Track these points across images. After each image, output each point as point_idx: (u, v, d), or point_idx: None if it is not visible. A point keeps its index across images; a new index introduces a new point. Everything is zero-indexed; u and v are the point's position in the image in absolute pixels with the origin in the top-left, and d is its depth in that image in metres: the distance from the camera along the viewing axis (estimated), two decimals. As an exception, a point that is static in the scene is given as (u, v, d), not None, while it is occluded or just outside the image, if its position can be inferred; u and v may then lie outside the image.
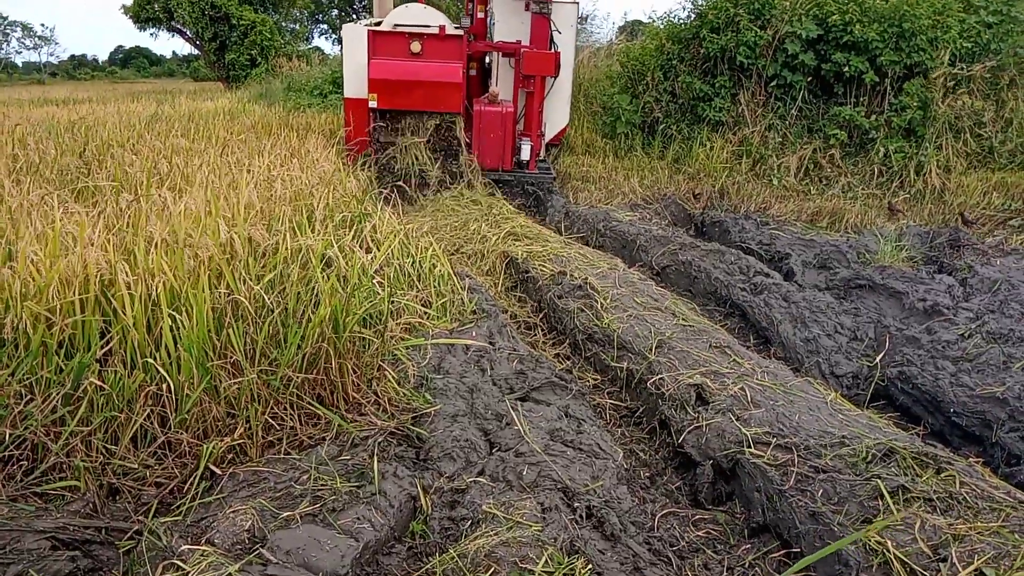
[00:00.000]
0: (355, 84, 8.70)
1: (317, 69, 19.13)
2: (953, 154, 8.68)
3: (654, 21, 12.74)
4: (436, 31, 8.45)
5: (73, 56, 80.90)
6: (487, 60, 9.54)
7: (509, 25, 8.93)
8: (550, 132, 9.55)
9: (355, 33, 8.73)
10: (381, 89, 8.31)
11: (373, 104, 8.39)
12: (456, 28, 8.73)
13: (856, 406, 4.04)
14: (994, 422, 3.79)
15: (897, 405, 4.37)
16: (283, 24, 35.91)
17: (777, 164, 9.24)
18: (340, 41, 11.07)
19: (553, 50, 8.74)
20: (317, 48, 38.37)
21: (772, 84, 9.85)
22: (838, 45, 9.30)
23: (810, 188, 8.86)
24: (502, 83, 9.08)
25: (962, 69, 8.80)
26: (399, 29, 8.53)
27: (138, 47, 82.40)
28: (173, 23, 31.36)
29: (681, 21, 11.25)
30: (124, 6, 31.94)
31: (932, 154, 8.62)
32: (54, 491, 2.89)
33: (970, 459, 3.38)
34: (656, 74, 10.78)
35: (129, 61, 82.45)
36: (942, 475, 2.96)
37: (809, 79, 9.69)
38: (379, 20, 9.31)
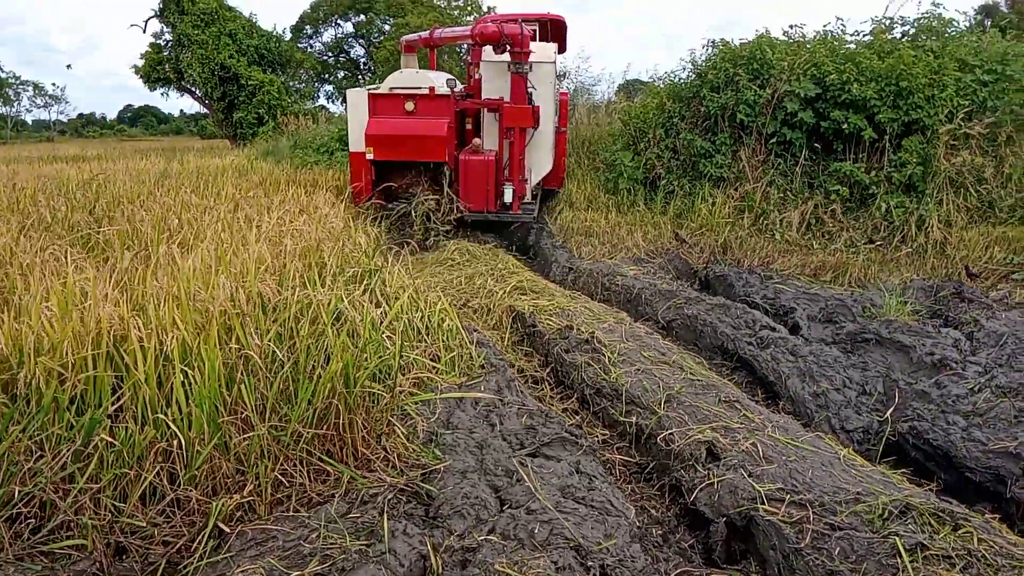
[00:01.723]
0: (358, 140, 9.73)
1: (324, 127, 19.46)
2: (954, 209, 8.76)
3: (654, 80, 13.03)
4: (427, 92, 9.50)
5: (81, 114, 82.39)
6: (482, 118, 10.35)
7: (495, 84, 9.92)
8: (535, 177, 10.43)
9: (358, 97, 9.87)
10: (376, 143, 9.46)
11: (370, 156, 9.50)
12: (443, 88, 9.71)
13: (868, 461, 4.01)
14: (1008, 477, 3.75)
15: (909, 460, 4.32)
16: (290, 84, 36.68)
17: (779, 219, 9.32)
18: (345, 102, 12.27)
19: (532, 105, 9.54)
20: (322, 107, 39.17)
21: (772, 141, 10.01)
22: (836, 103, 9.48)
23: (812, 243, 8.92)
24: (489, 136, 10.01)
25: (960, 126, 8.94)
26: (395, 91, 9.66)
27: (147, 106, 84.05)
28: (183, 83, 32.04)
29: (681, 80, 11.50)
30: (135, 66, 32.71)
31: (933, 209, 8.71)
32: (61, 550, 2.86)
33: (986, 515, 3.33)
34: (658, 131, 10.98)
35: (138, 120, 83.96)
36: (959, 532, 2.92)
37: (809, 136, 9.85)
38: (378, 85, 10.48)
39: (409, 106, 9.49)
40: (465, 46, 25.03)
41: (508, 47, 9.04)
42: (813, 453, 3.82)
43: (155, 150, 26.26)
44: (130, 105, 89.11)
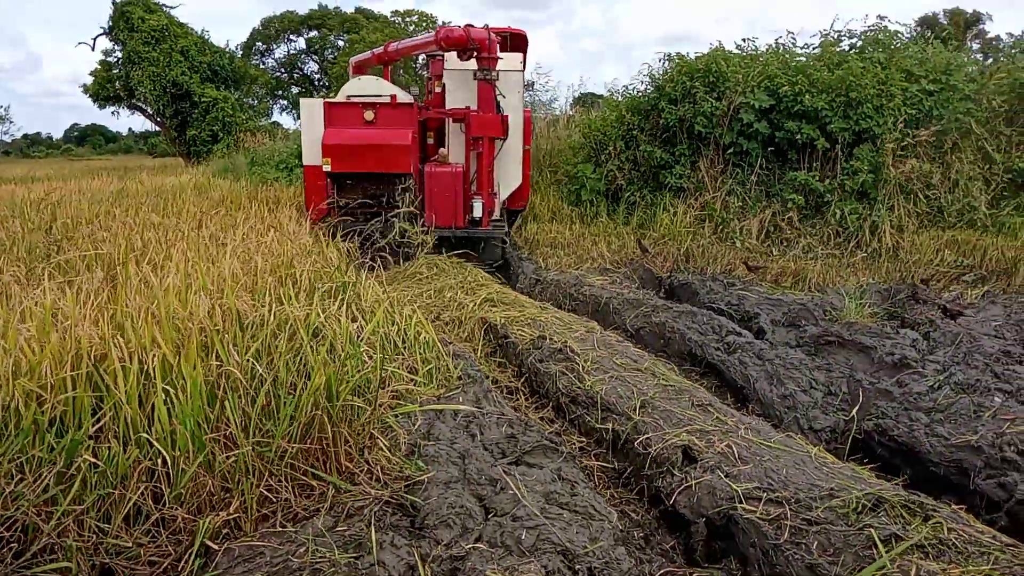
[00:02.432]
0: (313, 153, 9.02)
1: (281, 144, 19.34)
2: (905, 214, 9.09)
3: (612, 94, 13.24)
4: (388, 100, 8.95)
5: (26, 135, 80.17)
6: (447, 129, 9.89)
7: (459, 95, 9.36)
8: (504, 192, 9.83)
9: (313, 107, 9.15)
10: (334, 154, 8.65)
11: (327, 168, 8.70)
12: (406, 96, 9.22)
13: (837, 459, 4.14)
14: (971, 469, 3.92)
15: (875, 456, 4.47)
16: (244, 100, 36.32)
17: (739, 227, 9.56)
18: (299, 116, 11.74)
19: (500, 114, 9.09)
20: (276, 123, 38.91)
21: (729, 151, 10.26)
22: (790, 114, 9.77)
23: (772, 250, 9.16)
24: (455, 148, 9.47)
25: (907, 134, 9.29)
26: (353, 100, 9.00)
27: (94, 124, 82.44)
28: (134, 101, 31.53)
29: (640, 93, 11.73)
30: (84, 85, 32.09)
31: (885, 215, 9.02)
32: (45, 573, 2.81)
33: (952, 506, 3.47)
34: (618, 144, 11.18)
35: (85, 139, 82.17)
36: (930, 522, 3.05)
37: (764, 146, 10.12)
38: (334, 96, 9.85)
39: (369, 115, 8.80)
40: (422, 60, 25.08)
41: (475, 52, 8.65)
42: (786, 452, 3.93)
43: (107, 169, 25.70)
44: (76, 124, 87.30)
